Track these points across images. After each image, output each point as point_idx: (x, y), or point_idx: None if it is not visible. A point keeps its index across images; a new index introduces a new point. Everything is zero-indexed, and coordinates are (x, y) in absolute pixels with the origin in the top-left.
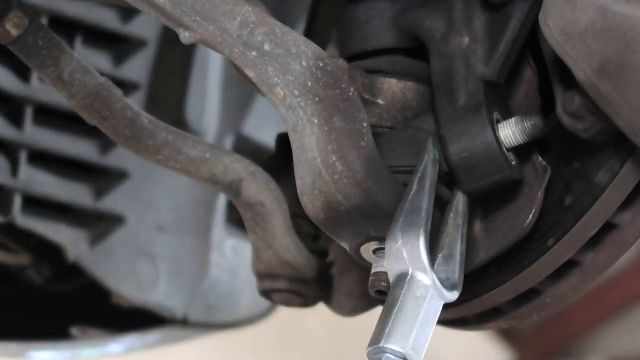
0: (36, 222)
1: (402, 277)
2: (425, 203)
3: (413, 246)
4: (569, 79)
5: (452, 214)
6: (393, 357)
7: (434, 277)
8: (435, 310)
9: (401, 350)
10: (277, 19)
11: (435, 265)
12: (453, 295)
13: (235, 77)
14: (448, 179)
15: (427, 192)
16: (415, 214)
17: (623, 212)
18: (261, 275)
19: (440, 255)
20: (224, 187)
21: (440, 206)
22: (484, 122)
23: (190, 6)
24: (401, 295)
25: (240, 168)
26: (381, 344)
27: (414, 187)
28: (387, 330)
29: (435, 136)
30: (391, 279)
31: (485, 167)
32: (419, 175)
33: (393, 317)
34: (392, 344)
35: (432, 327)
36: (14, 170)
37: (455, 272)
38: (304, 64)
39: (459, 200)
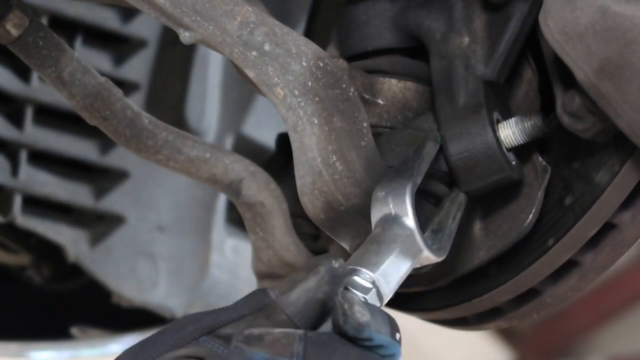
0: (36, 222)
1: (384, 220)
2: (416, 164)
3: (398, 193)
4: (569, 79)
5: (448, 202)
6: (361, 279)
7: (417, 225)
8: (414, 252)
9: (370, 274)
10: (277, 19)
11: (424, 235)
12: (436, 255)
13: (235, 77)
14: (448, 179)
15: (423, 160)
16: (405, 168)
17: (623, 212)
18: (261, 275)
19: (429, 230)
20: (224, 187)
21: (438, 205)
22: (484, 122)
23: (190, 6)
24: (380, 232)
25: (241, 168)
26: (351, 266)
27: (412, 154)
28: (360, 255)
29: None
30: (374, 222)
31: (485, 167)
32: (419, 149)
33: (367, 246)
34: (362, 267)
35: (408, 267)
36: (14, 170)
37: (442, 241)
38: (304, 64)
39: (459, 195)
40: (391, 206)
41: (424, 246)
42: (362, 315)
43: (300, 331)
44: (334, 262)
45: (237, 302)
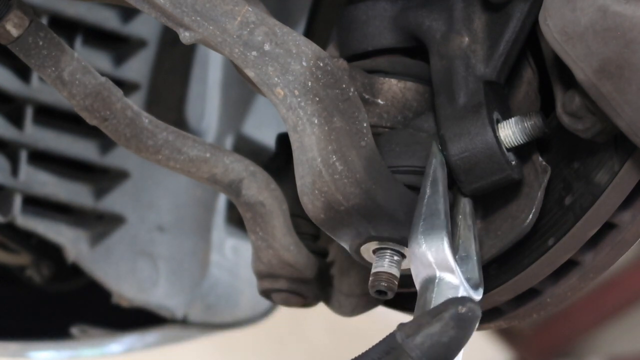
0: (36, 222)
1: (430, 281)
2: (442, 205)
3: (438, 249)
4: (569, 79)
5: (460, 216)
6: None
7: (462, 277)
8: None
9: None
10: (277, 19)
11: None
12: (478, 294)
13: (235, 77)
14: (448, 179)
15: (441, 195)
16: (435, 216)
17: (623, 212)
18: (261, 275)
19: (457, 257)
20: (224, 187)
21: None
22: (484, 122)
23: (190, 6)
24: (432, 299)
25: (241, 168)
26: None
27: (428, 190)
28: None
29: (437, 137)
30: (417, 284)
31: (485, 167)
32: (430, 179)
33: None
34: None
35: None
36: (14, 170)
37: (475, 271)
38: (304, 64)
39: (465, 202)
40: (433, 264)
41: (471, 297)
42: None
43: None
44: (460, 307)
45: (372, 347)
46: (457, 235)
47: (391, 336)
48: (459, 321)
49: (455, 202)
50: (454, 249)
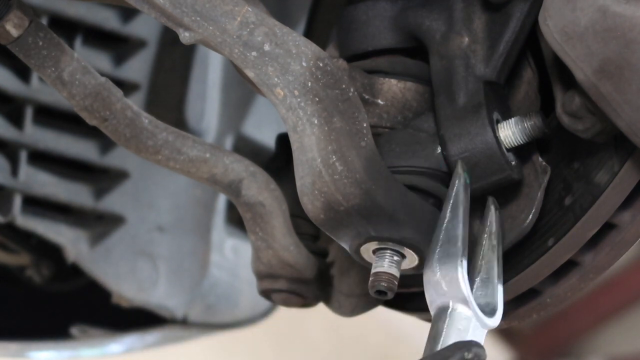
0: (36, 222)
1: (443, 310)
2: (461, 231)
3: (452, 278)
4: (569, 79)
5: (486, 235)
6: None
7: (476, 307)
8: (479, 339)
9: None
10: (277, 19)
11: (474, 290)
12: (495, 322)
13: (235, 77)
14: (448, 179)
15: (461, 220)
16: (452, 243)
17: (623, 212)
18: (261, 276)
19: (478, 279)
20: (224, 187)
21: (439, 206)
22: (484, 122)
23: (190, 6)
24: (444, 330)
25: (241, 168)
26: None
27: (448, 214)
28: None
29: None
30: (432, 310)
31: (485, 167)
32: (451, 201)
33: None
34: None
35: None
36: (14, 170)
37: (494, 295)
38: (304, 64)
39: (492, 220)
40: (447, 294)
41: (487, 327)
42: None
43: None
44: (466, 353)
45: None
46: (480, 255)
47: None
48: None
49: (483, 220)
50: (476, 272)
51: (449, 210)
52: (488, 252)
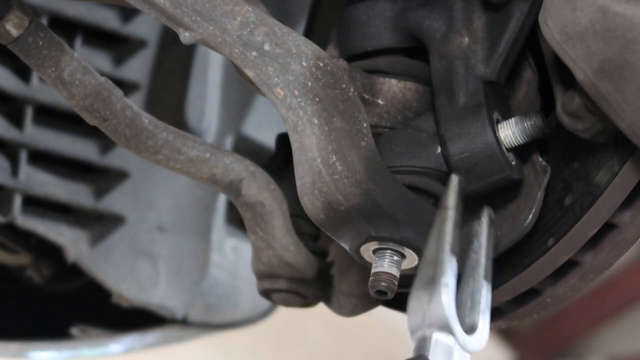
0: (36, 222)
1: (426, 339)
2: (446, 254)
3: (435, 304)
4: (569, 79)
5: (474, 253)
6: None
7: (459, 333)
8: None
9: None
10: (277, 19)
11: (460, 313)
12: (479, 346)
13: (235, 77)
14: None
15: (448, 241)
16: (436, 266)
17: (623, 212)
18: (261, 275)
19: (464, 302)
20: (224, 187)
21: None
22: (484, 122)
23: (190, 6)
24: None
25: (241, 168)
26: None
27: (434, 234)
28: None
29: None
30: (413, 340)
31: (485, 167)
32: (439, 220)
33: None
34: None
35: None
36: (14, 170)
37: (479, 318)
38: (304, 64)
39: (484, 234)
40: (431, 320)
41: (471, 351)
42: None
43: None
44: None
45: None
46: (469, 275)
47: None
48: None
49: (476, 231)
50: (460, 295)
51: (433, 229)
52: (475, 271)
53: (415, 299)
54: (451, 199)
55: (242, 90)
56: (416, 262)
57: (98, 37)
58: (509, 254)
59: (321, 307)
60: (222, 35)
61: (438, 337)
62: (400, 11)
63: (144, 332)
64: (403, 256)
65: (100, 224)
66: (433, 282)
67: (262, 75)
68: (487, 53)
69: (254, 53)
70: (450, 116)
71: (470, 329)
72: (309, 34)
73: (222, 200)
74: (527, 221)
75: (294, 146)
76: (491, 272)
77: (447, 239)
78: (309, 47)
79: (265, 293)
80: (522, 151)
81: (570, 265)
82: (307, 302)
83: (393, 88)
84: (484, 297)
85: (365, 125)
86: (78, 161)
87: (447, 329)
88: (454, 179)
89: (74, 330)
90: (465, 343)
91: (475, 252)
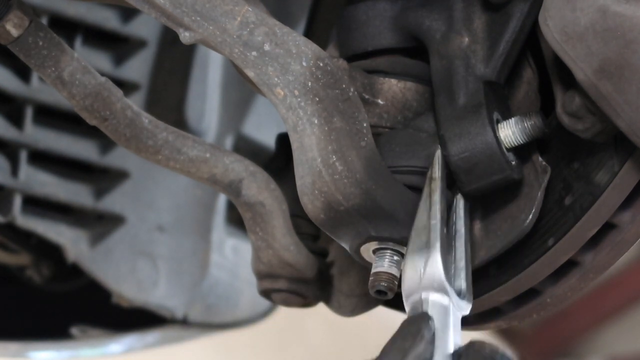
0: (36, 222)
1: (422, 301)
2: (437, 220)
3: (430, 266)
4: (569, 79)
5: (454, 219)
6: None
7: (454, 294)
8: (457, 325)
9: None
10: (277, 19)
11: (451, 277)
12: (468, 307)
13: (235, 77)
14: (449, 179)
15: (437, 208)
16: (428, 233)
17: (623, 212)
18: (261, 275)
19: (453, 267)
20: (224, 187)
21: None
22: (484, 122)
23: (190, 6)
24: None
25: (241, 168)
26: None
27: (421, 204)
28: None
29: (437, 137)
30: (407, 304)
31: (485, 167)
32: (425, 192)
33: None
34: None
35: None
36: (14, 170)
37: (463, 282)
38: (304, 64)
39: (459, 205)
40: (426, 286)
41: (463, 313)
42: None
43: None
44: (430, 322)
45: None
46: (453, 242)
47: None
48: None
49: (451, 207)
50: (450, 261)
51: (422, 200)
52: (457, 240)
53: (410, 265)
54: (437, 170)
55: (242, 90)
56: None
57: (98, 37)
58: (509, 254)
59: (321, 307)
60: (222, 35)
61: (435, 298)
62: (400, 11)
63: (144, 332)
64: (403, 256)
65: (100, 224)
66: (427, 247)
67: (262, 75)
68: (487, 53)
69: (254, 53)
70: (450, 116)
71: (458, 293)
72: (309, 34)
73: (222, 200)
74: (527, 221)
75: (294, 146)
76: (469, 242)
77: (438, 207)
78: (309, 47)
79: (265, 293)
80: (522, 151)
81: (570, 265)
82: (307, 302)
83: (393, 88)
84: (466, 264)
85: (365, 125)
86: (78, 161)
87: (443, 289)
88: (438, 153)
89: (74, 330)
90: (458, 304)
91: (455, 223)
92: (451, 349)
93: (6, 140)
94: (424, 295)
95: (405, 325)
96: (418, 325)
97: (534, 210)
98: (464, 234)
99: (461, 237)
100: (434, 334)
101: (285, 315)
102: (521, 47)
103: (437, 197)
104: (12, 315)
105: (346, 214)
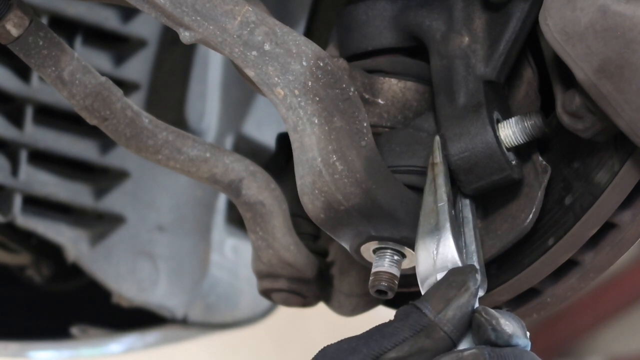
0: (36, 222)
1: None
2: (446, 204)
3: (443, 246)
4: (569, 79)
5: (462, 215)
6: None
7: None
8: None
9: None
10: (277, 19)
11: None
12: (483, 289)
13: (235, 77)
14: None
15: (443, 193)
16: (436, 218)
17: (623, 212)
18: (261, 275)
19: (462, 250)
20: (224, 186)
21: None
22: (484, 122)
23: (190, 6)
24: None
25: (241, 168)
26: None
27: (426, 191)
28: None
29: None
30: (424, 289)
31: (485, 167)
32: (429, 179)
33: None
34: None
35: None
36: (14, 170)
37: (476, 263)
38: (304, 63)
39: (466, 201)
40: (438, 265)
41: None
42: (508, 328)
43: (486, 349)
44: (477, 274)
45: (392, 323)
46: (462, 229)
47: (416, 312)
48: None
49: (456, 206)
50: (461, 246)
51: (426, 185)
52: (465, 225)
53: (423, 248)
54: (438, 155)
55: (242, 90)
56: None
57: (98, 37)
58: (509, 254)
59: (321, 307)
60: (222, 35)
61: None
62: (400, 11)
63: (144, 332)
64: (403, 256)
65: (100, 223)
66: (437, 229)
67: (262, 75)
68: (487, 53)
69: (254, 53)
70: (450, 116)
71: None
72: (309, 34)
73: (222, 200)
74: (527, 221)
75: (294, 146)
76: (478, 228)
77: (443, 190)
78: (309, 47)
79: (266, 293)
80: (522, 151)
81: (570, 264)
82: (307, 302)
83: (393, 88)
84: (477, 247)
85: (365, 124)
86: (78, 161)
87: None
88: (437, 138)
89: (74, 330)
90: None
91: (462, 210)
92: None
93: (6, 140)
94: (439, 276)
95: (452, 273)
96: (465, 276)
97: (534, 210)
98: (472, 220)
99: (469, 223)
100: (478, 288)
101: (285, 315)
102: (521, 46)
103: (441, 180)
104: (12, 315)
105: (346, 214)
